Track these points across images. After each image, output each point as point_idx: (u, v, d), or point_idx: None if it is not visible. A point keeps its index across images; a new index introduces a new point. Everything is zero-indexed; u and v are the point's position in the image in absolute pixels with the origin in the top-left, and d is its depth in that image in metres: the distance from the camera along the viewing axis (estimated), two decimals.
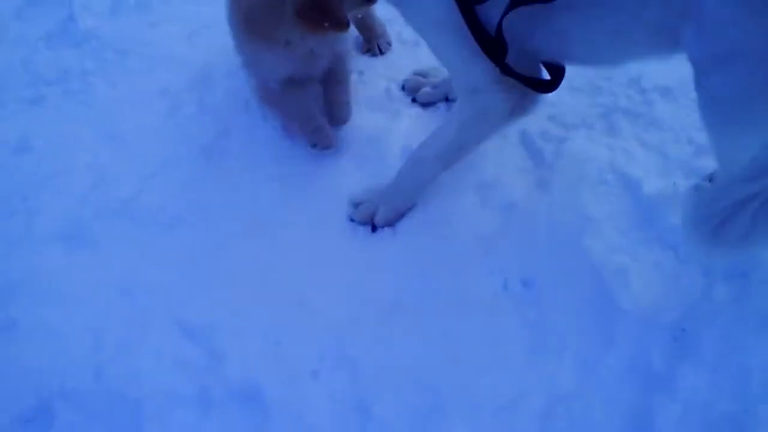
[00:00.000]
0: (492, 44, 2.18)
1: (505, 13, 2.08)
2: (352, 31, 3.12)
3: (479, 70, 2.27)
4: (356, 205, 2.73)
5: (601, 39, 2.18)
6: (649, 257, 2.47)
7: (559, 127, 2.86)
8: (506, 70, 2.23)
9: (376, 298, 2.47)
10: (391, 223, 2.68)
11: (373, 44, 3.30)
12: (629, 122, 2.85)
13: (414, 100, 3.07)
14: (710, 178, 2.57)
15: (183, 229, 2.73)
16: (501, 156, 2.78)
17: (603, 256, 2.47)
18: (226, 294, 2.53)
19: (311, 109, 2.92)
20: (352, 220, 2.71)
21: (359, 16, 3.15)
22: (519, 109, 2.39)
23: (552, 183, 2.68)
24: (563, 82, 2.58)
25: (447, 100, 3.03)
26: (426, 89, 3.07)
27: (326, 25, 2.46)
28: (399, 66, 3.22)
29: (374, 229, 2.67)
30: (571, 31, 2.18)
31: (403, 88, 3.13)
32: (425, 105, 3.05)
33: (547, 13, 2.08)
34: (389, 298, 2.47)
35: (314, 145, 2.84)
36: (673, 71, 2.67)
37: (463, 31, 2.18)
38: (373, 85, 3.16)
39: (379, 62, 3.27)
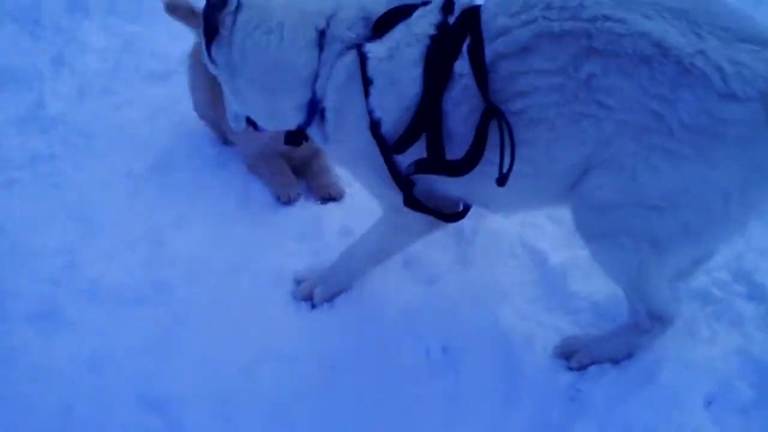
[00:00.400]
0: (403, 181, 2.54)
1: (412, 173, 2.48)
2: None
3: (399, 194, 2.58)
4: (298, 282, 3.04)
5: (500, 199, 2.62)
6: (552, 323, 2.80)
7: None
8: (411, 203, 2.57)
9: (316, 365, 2.76)
10: (328, 301, 2.98)
11: (324, 192, 3.47)
12: None
13: None
14: None
15: (146, 306, 2.98)
16: None
17: (512, 323, 2.79)
18: (184, 366, 2.77)
19: (284, 167, 3.41)
20: (294, 297, 3.02)
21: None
22: (436, 225, 2.72)
23: (470, 258, 3.02)
24: None
25: None
26: None
27: None
28: None
29: (313, 306, 2.98)
30: (477, 191, 2.60)
31: None
32: None
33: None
34: (327, 365, 2.76)
35: (278, 198, 3.30)
36: None
37: (383, 167, 2.54)
38: None
39: None
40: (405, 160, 2.50)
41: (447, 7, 2.46)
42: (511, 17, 2.30)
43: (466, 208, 2.78)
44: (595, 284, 2.87)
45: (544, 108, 2.28)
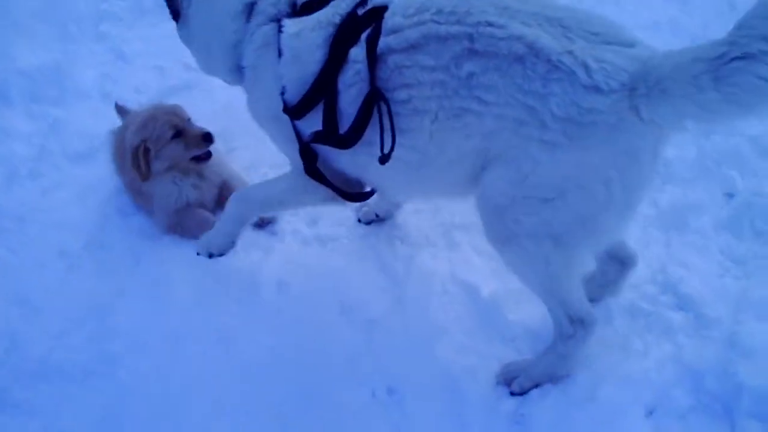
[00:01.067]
0: (305, 150, 2.84)
1: (309, 141, 2.79)
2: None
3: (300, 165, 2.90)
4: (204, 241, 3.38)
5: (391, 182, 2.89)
6: (491, 353, 2.91)
7: (407, 247, 3.31)
8: (311, 172, 2.88)
9: (265, 417, 2.81)
10: (222, 252, 3.34)
11: None
12: (466, 235, 3.30)
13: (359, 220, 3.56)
14: None
15: (93, 379, 3.01)
16: (361, 279, 3.22)
17: (453, 357, 2.90)
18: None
19: (204, 216, 3.55)
20: (198, 253, 3.37)
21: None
22: (334, 198, 2.99)
23: (405, 298, 3.11)
24: (409, 205, 3.12)
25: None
26: (366, 209, 3.53)
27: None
28: None
29: (210, 256, 3.35)
30: (371, 172, 2.86)
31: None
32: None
33: (349, 152, 2.73)
34: (275, 415, 2.81)
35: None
36: None
37: (290, 130, 2.88)
38: None
39: None
40: (308, 130, 2.80)
41: (362, 2, 2.74)
42: (405, 18, 2.58)
43: (366, 192, 3.08)
44: (527, 310, 2.99)
45: (427, 100, 2.54)
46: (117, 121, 3.98)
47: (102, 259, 3.49)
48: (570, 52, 2.32)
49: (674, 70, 2.23)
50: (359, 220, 3.54)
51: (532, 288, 2.75)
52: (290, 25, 2.81)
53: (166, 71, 4.62)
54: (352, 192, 2.99)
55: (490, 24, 2.43)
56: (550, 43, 2.34)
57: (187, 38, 3.21)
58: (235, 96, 4.08)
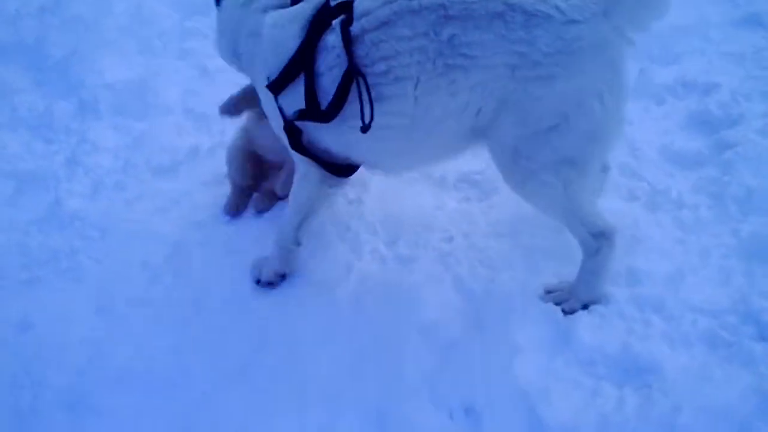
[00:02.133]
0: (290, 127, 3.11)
1: (294, 118, 3.04)
2: None
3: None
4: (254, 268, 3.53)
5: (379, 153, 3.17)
6: (568, 376, 2.88)
7: (486, 269, 3.31)
8: (296, 147, 3.16)
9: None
10: (272, 281, 3.45)
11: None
12: (548, 260, 3.31)
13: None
14: None
15: (172, 390, 3.09)
16: (438, 299, 3.23)
17: (530, 379, 2.86)
18: None
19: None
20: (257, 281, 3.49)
21: None
22: (329, 178, 3.30)
23: (484, 319, 3.11)
24: (490, 228, 3.17)
25: None
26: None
27: None
28: None
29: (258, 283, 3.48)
30: (357, 146, 3.11)
31: None
32: None
33: (332, 128, 3.00)
34: None
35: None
36: None
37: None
38: None
39: None
40: (289, 110, 3.06)
41: None
42: (373, 1, 2.87)
43: (354, 166, 3.35)
44: (606, 334, 2.96)
45: (407, 67, 2.81)
46: (200, 135, 4.11)
47: (182, 271, 3.57)
48: (541, 1, 2.69)
49: None
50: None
51: (553, 215, 3.11)
52: (271, 16, 3.10)
53: None
54: (336, 166, 3.28)
55: None
56: None
57: (218, 22, 3.46)
58: None
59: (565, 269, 3.21)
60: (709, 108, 4.00)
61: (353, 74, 2.83)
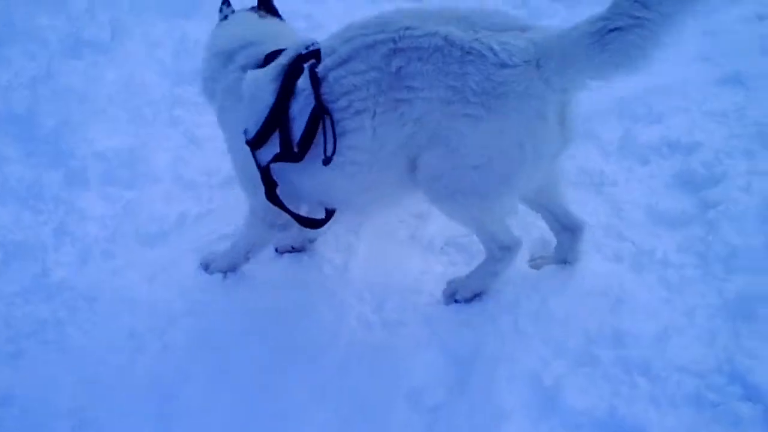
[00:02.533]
0: (266, 177, 3.30)
1: (269, 162, 3.27)
2: None
3: (259, 198, 3.40)
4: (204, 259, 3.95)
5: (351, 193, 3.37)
6: None
7: (472, 331, 3.30)
8: (273, 200, 3.34)
9: None
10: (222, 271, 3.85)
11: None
12: (533, 323, 3.29)
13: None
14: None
15: None
16: (425, 364, 3.22)
17: None
18: None
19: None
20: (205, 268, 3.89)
21: None
22: (279, 225, 3.59)
23: (470, 383, 3.09)
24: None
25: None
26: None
27: None
28: None
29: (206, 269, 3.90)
30: (329, 185, 3.34)
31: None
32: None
33: (307, 169, 3.23)
34: None
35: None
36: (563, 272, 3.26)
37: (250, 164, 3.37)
38: None
39: None
40: (265, 159, 3.30)
41: (308, 45, 3.28)
42: (336, 39, 3.16)
43: (323, 219, 3.60)
44: (592, 397, 2.94)
45: (365, 100, 3.03)
46: (189, 202, 4.15)
47: (169, 341, 3.54)
48: (478, 40, 2.86)
49: (573, 45, 2.80)
50: (276, 250, 3.97)
51: (466, 228, 3.41)
52: (250, 73, 3.35)
53: None
54: (308, 219, 3.54)
55: (408, 28, 2.96)
56: (461, 35, 2.88)
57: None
58: None
59: (551, 331, 3.21)
60: (693, 167, 4.02)
61: (320, 111, 3.09)
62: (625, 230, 3.74)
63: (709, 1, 2.73)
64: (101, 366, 3.47)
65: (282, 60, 3.29)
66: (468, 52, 2.86)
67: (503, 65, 2.83)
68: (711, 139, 4.22)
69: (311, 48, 3.25)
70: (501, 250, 3.33)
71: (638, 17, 2.67)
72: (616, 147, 4.35)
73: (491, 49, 2.84)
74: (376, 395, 3.13)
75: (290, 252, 3.95)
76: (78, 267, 4.05)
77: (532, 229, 3.64)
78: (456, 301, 3.46)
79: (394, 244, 3.86)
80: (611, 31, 2.72)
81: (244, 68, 3.41)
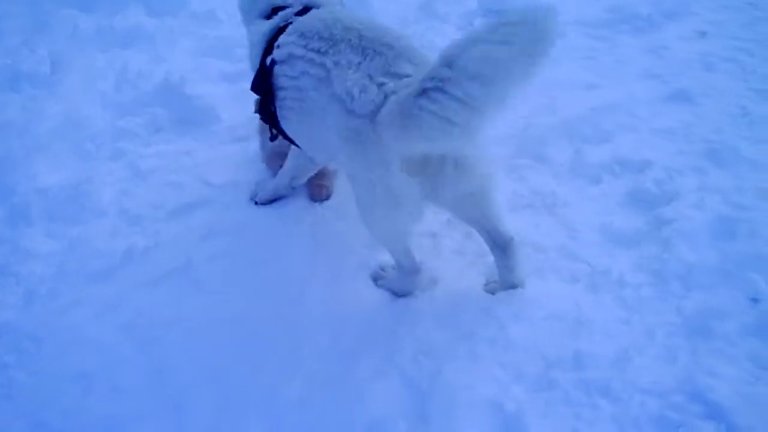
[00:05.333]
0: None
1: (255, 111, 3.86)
2: None
3: None
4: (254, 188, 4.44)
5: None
6: None
7: (431, 360, 3.25)
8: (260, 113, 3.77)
9: None
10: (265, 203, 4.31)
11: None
12: (488, 346, 3.26)
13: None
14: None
15: None
16: (385, 395, 3.15)
17: None
18: None
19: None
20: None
21: None
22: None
23: (430, 413, 3.04)
24: (433, 319, 3.35)
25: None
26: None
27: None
28: None
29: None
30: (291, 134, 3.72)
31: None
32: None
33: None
34: None
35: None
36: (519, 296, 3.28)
37: None
38: None
39: None
40: None
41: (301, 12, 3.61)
42: (286, 36, 3.46)
43: None
44: (554, 423, 2.92)
45: (292, 100, 3.42)
46: (135, 237, 4.10)
47: (119, 382, 3.42)
48: (349, 83, 3.02)
49: (395, 104, 2.84)
50: (255, 203, 4.37)
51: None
52: (258, 23, 3.74)
53: (184, 187, 4.63)
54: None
55: (317, 51, 3.23)
56: (341, 73, 3.07)
57: None
58: (252, 211, 4.17)
59: (510, 357, 3.18)
60: (645, 185, 4.05)
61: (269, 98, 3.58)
62: (579, 251, 3.74)
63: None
64: (49, 410, 3.34)
65: (276, 20, 3.63)
66: (334, 94, 3.09)
67: (353, 113, 3.00)
68: (661, 157, 4.26)
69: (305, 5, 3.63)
70: (400, 269, 3.58)
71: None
72: (567, 168, 4.35)
73: (351, 95, 3.01)
74: (335, 429, 3.06)
75: (270, 203, 4.35)
76: (23, 307, 3.91)
77: (488, 254, 3.56)
78: (377, 285, 3.72)
79: (347, 274, 3.80)
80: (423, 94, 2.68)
81: (258, 16, 3.79)
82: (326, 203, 4.32)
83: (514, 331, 3.28)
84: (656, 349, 3.15)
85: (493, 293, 3.52)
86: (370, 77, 2.99)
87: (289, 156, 4.19)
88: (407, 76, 2.97)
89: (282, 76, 3.43)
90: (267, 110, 3.63)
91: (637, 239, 3.76)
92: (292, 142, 3.82)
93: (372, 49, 3.08)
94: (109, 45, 6.34)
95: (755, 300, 3.30)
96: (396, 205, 3.11)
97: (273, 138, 3.89)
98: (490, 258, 3.54)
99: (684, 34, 5.72)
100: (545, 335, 3.27)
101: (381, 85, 2.96)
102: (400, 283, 3.61)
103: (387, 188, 3.05)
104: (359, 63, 3.06)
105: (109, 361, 3.53)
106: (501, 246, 3.45)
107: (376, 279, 3.74)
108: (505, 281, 3.51)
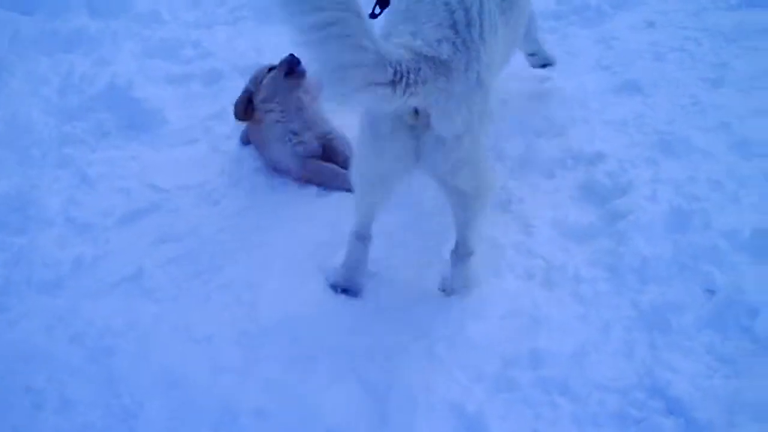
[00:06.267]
0: None
1: None
2: None
3: None
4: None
5: None
6: None
7: (389, 362, 3.21)
8: None
9: None
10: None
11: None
12: (446, 346, 3.24)
13: None
14: None
15: None
16: (343, 399, 3.10)
17: None
18: None
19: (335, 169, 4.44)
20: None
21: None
22: None
23: (389, 417, 3.00)
24: (388, 324, 3.24)
25: None
26: None
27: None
28: None
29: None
30: None
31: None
32: None
33: None
34: None
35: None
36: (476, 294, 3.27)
37: None
38: None
39: None
40: None
41: None
42: None
43: None
44: (513, 424, 2.90)
45: None
46: (84, 245, 4.03)
47: (70, 395, 3.32)
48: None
49: None
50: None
51: None
52: None
53: (132, 193, 4.55)
54: None
55: None
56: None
57: None
58: (203, 215, 4.10)
59: (467, 357, 3.17)
60: (598, 178, 4.04)
61: None
62: (534, 247, 3.72)
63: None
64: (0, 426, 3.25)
65: None
66: None
67: None
68: (613, 149, 4.26)
69: None
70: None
71: None
72: (519, 163, 4.32)
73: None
74: None
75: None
76: None
77: (445, 254, 3.54)
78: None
79: (302, 277, 3.74)
80: None
81: None
82: (280, 205, 4.25)
83: (472, 330, 3.26)
84: (614, 345, 3.14)
85: (449, 293, 3.48)
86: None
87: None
88: None
89: None
90: None
91: (591, 233, 3.75)
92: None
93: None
94: (52, 49, 6.23)
95: (711, 291, 3.28)
96: (378, 149, 3.13)
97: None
98: (447, 257, 3.51)
99: (633, 24, 5.73)
100: (502, 333, 3.25)
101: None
102: (335, 272, 3.66)
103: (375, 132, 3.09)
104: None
105: (60, 373, 3.44)
106: (460, 255, 3.45)
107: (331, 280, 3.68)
108: (448, 285, 3.53)
